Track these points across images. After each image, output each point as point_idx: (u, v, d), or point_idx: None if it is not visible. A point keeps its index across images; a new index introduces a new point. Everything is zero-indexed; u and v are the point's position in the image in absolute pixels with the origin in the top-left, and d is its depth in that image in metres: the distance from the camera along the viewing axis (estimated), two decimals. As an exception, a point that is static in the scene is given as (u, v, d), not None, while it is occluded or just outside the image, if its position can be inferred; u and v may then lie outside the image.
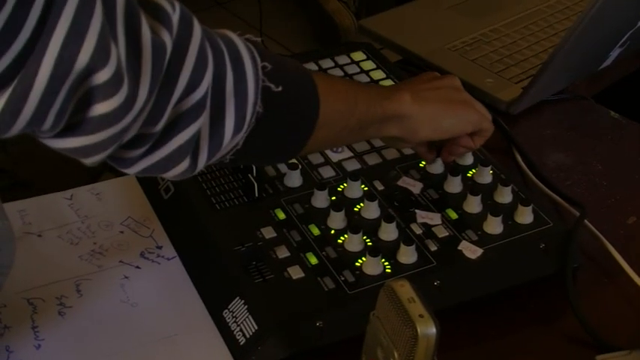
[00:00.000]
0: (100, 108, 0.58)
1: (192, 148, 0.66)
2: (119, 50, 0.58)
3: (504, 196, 0.92)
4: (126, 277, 0.87)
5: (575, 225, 0.92)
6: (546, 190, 1.01)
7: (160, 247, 0.91)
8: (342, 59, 1.15)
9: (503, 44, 1.28)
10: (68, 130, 0.60)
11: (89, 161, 0.63)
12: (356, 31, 1.71)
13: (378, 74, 1.13)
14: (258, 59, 0.69)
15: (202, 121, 0.65)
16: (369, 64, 1.14)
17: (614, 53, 1.22)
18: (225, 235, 0.87)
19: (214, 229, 0.88)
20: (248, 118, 0.68)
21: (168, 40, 0.61)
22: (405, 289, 0.66)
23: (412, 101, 0.84)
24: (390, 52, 1.27)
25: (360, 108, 0.80)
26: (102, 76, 0.57)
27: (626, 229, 0.98)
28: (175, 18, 0.63)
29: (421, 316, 0.64)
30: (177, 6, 0.64)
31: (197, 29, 0.64)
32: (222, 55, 0.66)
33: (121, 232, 0.93)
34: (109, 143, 0.61)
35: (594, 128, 1.16)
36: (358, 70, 1.13)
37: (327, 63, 1.14)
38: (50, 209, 0.95)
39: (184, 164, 0.66)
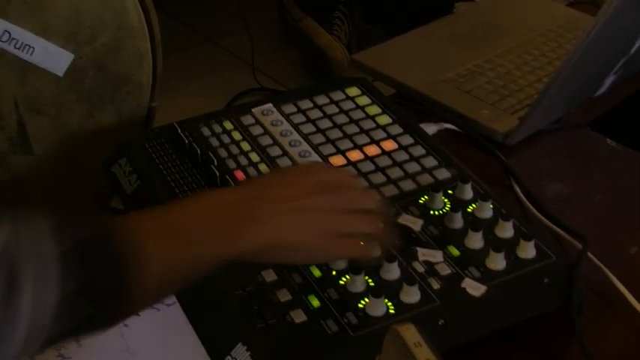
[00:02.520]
0: None
1: None
2: None
3: (506, 230, 0.91)
4: (125, 325, 0.86)
5: (579, 258, 0.91)
6: (547, 222, 1.00)
7: (159, 293, 0.90)
8: (337, 95, 1.14)
9: (498, 74, 1.28)
10: None
11: None
12: (348, 64, 1.70)
13: (374, 109, 1.12)
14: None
15: None
16: (364, 100, 1.14)
17: (608, 81, 1.22)
18: (226, 278, 0.85)
19: (214, 273, 0.86)
20: None
21: None
22: (410, 333, 0.66)
23: (265, 241, 0.73)
24: (383, 85, 1.27)
25: (187, 272, 0.71)
26: None
27: (629, 259, 0.98)
28: None
29: (429, 361, 0.63)
30: None
31: None
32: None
33: (120, 278, 0.91)
34: None
35: (591, 157, 1.16)
36: (354, 105, 1.13)
37: (322, 99, 1.14)
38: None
39: None
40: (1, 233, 0.57)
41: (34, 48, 1.07)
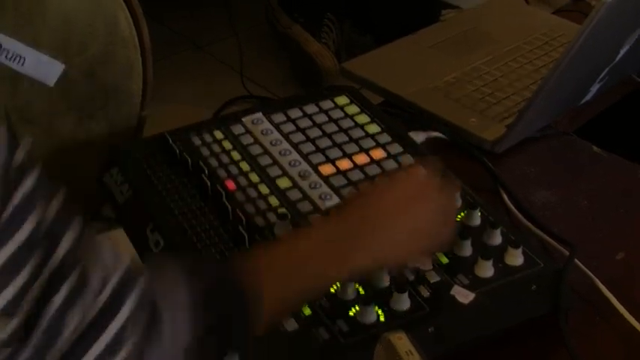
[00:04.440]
0: None
1: None
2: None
3: (494, 238, 0.92)
4: (118, 335, 0.86)
5: (566, 265, 0.92)
6: (534, 229, 1.02)
7: (151, 302, 0.90)
8: (326, 104, 1.15)
9: (485, 82, 1.29)
10: None
11: None
12: (337, 72, 1.71)
13: (363, 118, 1.13)
14: None
15: None
16: (353, 109, 1.15)
17: (594, 88, 1.24)
18: (217, 288, 0.86)
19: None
20: None
21: (72, 323, 0.59)
22: (402, 342, 0.67)
23: (370, 262, 0.80)
24: (372, 93, 1.28)
25: (295, 303, 0.79)
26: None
27: (615, 265, 0.99)
28: (103, 296, 0.61)
29: (419, 369, 0.64)
30: (116, 276, 0.62)
31: (125, 311, 0.61)
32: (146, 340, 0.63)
33: (112, 287, 0.92)
34: None
35: (578, 164, 1.17)
36: (342, 114, 1.14)
37: (311, 108, 1.15)
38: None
39: None
40: (139, 282, 0.63)
41: (25, 58, 1.08)
